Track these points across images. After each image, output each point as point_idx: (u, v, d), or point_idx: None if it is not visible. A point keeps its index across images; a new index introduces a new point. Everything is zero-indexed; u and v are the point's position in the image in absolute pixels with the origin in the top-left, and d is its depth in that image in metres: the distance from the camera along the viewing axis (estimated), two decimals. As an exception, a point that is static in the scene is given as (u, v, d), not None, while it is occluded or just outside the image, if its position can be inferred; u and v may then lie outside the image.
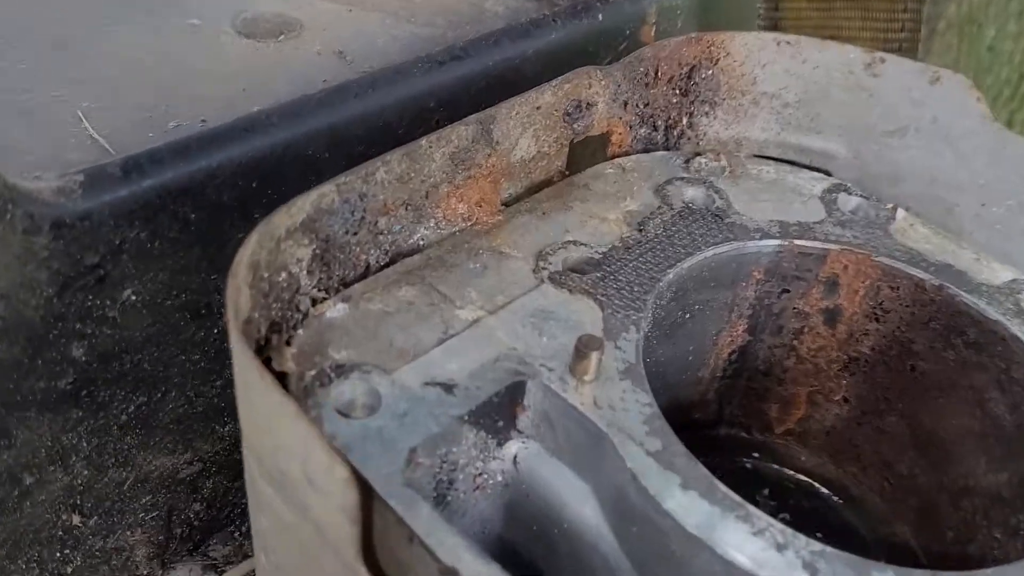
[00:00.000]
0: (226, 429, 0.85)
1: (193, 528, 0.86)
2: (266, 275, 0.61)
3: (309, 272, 0.66)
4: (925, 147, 0.90)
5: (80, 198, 0.65)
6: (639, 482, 0.58)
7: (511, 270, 0.72)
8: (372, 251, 0.71)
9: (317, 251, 0.66)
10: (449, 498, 0.65)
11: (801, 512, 0.86)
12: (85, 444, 0.73)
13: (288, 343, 0.63)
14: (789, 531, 0.57)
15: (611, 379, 0.64)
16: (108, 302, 0.69)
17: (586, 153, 0.87)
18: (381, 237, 0.71)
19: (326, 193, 0.65)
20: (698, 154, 0.87)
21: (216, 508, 0.88)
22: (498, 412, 0.64)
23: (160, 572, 0.85)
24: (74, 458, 0.73)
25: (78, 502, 0.75)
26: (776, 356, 0.88)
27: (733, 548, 0.55)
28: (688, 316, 0.80)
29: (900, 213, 0.84)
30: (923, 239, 0.82)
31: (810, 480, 0.90)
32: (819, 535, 0.83)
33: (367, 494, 0.51)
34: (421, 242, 0.74)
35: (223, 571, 0.88)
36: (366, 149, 0.82)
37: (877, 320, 0.82)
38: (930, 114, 0.89)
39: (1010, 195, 0.87)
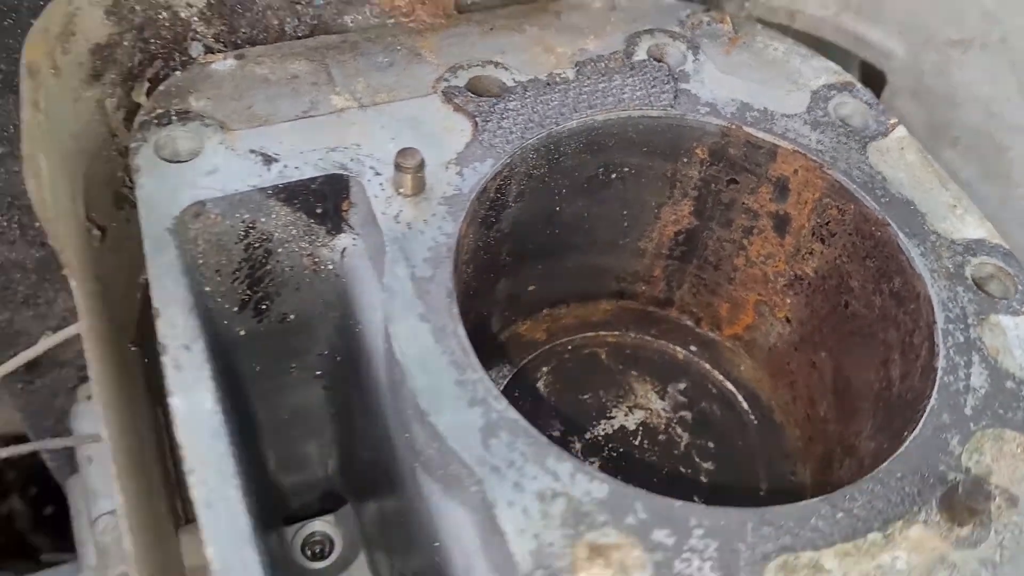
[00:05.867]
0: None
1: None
2: (138, 7, 0.65)
3: (204, 20, 0.68)
4: (988, 70, 0.75)
5: None
6: (385, 295, 0.58)
7: (415, 74, 0.71)
8: (289, 19, 0.72)
9: (213, 1, 0.68)
10: (269, 266, 0.68)
11: (707, 418, 0.81)
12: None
13: (158, 79, 0.67)
14: (493, 389, 0.55)
15: (430, 200, 0.63)
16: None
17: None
18: (300, 7, 0.71)
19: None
20: (707, 11, 0.79)
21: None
22: (316, 198, 0.65)
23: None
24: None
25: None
26: (726, 251, 0.80)
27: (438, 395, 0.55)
28: (614, 176, 0.75)
29: (898, 131, 0.72)
30: (903, 166, 0.70)
31: (734, 390, 0.84)
32: (711, 445, 0.80)
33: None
34: (349, 24, 0.74)
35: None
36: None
37: (822, 241, 0.73)
38: (999, 32, 0.74)
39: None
